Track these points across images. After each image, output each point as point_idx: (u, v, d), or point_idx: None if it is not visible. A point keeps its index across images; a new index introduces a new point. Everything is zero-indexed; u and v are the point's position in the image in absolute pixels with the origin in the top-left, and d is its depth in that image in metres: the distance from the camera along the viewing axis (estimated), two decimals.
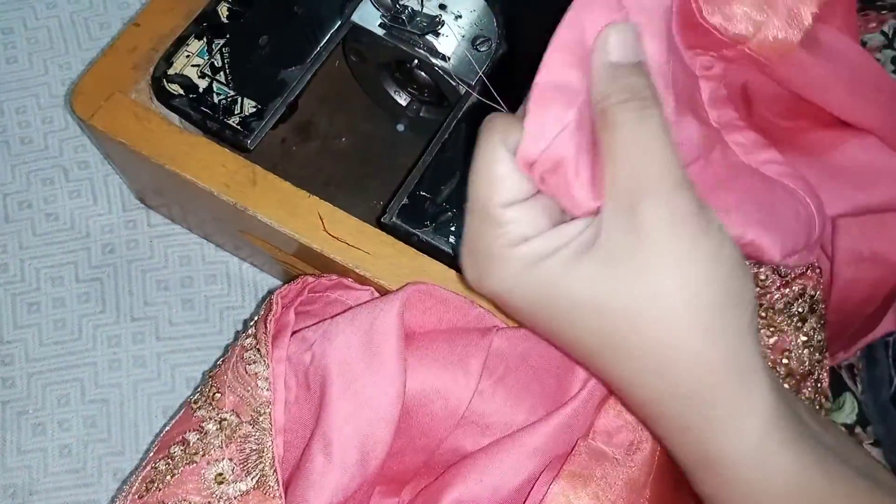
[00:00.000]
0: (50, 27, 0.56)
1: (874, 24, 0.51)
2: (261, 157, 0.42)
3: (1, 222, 0.50)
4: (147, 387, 0.47)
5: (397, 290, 0.36)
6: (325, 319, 0.36)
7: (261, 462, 0.33)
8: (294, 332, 0.35)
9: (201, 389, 0.36)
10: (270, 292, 0.37)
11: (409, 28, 0.42)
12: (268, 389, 0.33)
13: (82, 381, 0.47)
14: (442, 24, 0.42)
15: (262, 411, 0.34)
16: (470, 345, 0.34)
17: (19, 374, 0.47)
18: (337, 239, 0.39)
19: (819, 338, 0.36)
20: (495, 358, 0.34)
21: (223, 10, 0.43)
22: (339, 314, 0.35)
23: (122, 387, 0.47)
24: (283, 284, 0.39)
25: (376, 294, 0.38)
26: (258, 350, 0.34)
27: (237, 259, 0.50)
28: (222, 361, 0.36)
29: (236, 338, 0.37)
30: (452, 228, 0.39)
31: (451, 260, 0.39)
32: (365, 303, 0.36)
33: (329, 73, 0.51)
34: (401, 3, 0.42)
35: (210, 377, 0.36)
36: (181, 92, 0.41)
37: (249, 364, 0.34)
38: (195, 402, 0.35)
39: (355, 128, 0.53)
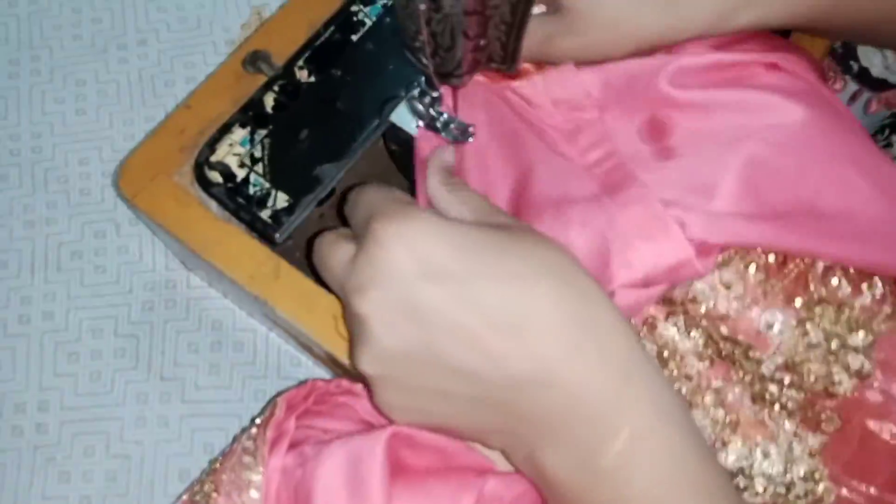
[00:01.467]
0: (119, 82, 0.60)
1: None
2: (298, 230, 0.44)
3: (53, 270, 0.53)
4: (167, 448, 0.49)
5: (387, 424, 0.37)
6: (333, 423, 0.38)
7: None
8: (299, 440, 0.37)
9: (203, 482, 0.37)
10: (279, 393, 0.38)
11: (442, 135, 0.43)
12: (260, 500, 0.35)
13: (109, 434, 0.49)
14: (473, 134, 0.43)
15: None
16: (464, 483, 0.35)
17: (53, 421, 0.50)
18: (348, 342, 0.40)
19: None
20: (490, 501, 0.35)
21: (269, 100, 0.45)
22: (334, 439, 0.36)
23: (145, 445, 0.49)
24: (304, 357, 0.40)
25: None
26: (254, 456, 0.36)
27: (265, 328, 0.52)
28: (226, 455, 0.38)
29: (241, 431, 0.39)
30: None
31: None
32: (358, 431, 0.37)
33: (371, 152, 0.52)
34: (436, 110, 0.43)
35: (213, 470, 0.38)
36: (220, 180, 0.43)
37: (246, 469, 0.36)
38: (195, 495, 0.37)
39: None
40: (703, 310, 0.37)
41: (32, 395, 0.50)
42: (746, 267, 0.37)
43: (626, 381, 0.31)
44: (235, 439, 0.41)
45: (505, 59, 0.36)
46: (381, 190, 0.35)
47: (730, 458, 0.36)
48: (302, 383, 0.40)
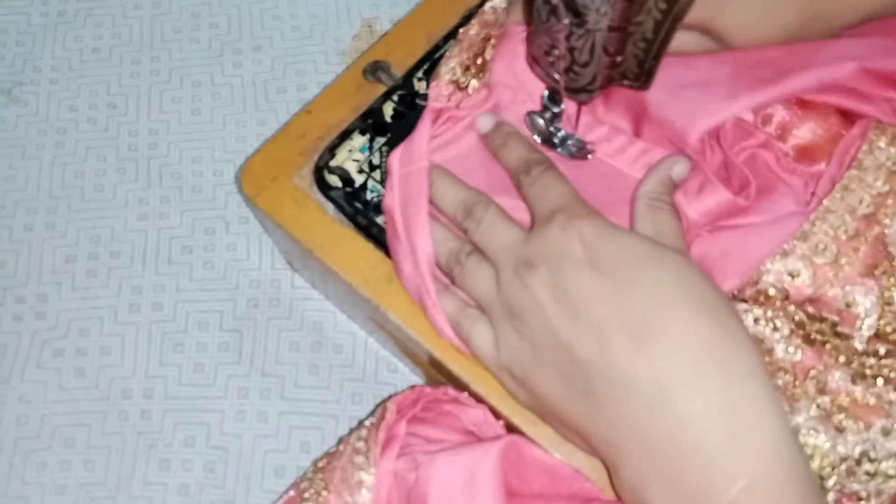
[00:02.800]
0: (233, 85, 0.62)
1: None
2: None
3: (164, 263, 0.55)
4: (264, 443, 0.50)
5: (497, 438, 0.37)
6: (437, 432, 0.38)
7: None
8: (404, 446, 0.37)
9: (311, 479, 0.38)
10: (390, 397, 0.39)
11: (559, 151, 0.43)
12: (371, 500, 0.35)
13: (209, 425, 0.50)
14: (593, 152, 0.43)
15: None
16: None
17: (157, 408, 0.51)
18: (457, 350, 0.41)
19: None
20: None
21: (388, 109, 0.46)
22: (445, 447, 0.36)
23: (243, 438, 0.50)
24: (401, 363, 0.40)
25: (489, 415, 0.39)
26: (367, 457, 0.36)
27: (364, 333, 0.53)
28: (333, 454, 0.38)
29: (350, 432, 0.39)
30: None
31: None
32: (469, 443, 0.37)
33: None
34: (555, 126, 0.43)
35: (320, 469, 0.38)
36: (339, 184, 0.44)
37: (357, 470, 0.36)
38: (304, 492, 0.37)
39: None
40: (778, 299, 0.36)
41: (139, 382, 0.52)
42: (813, 250, 0.36)
43: (751, 428, 0.30)
44: (341, 440, 0.41)
45: (640, 76, 0.36)
46: (571, 188, 0.37)
47: (849, 444, 0.34)
48: (411, 388, 0.40)
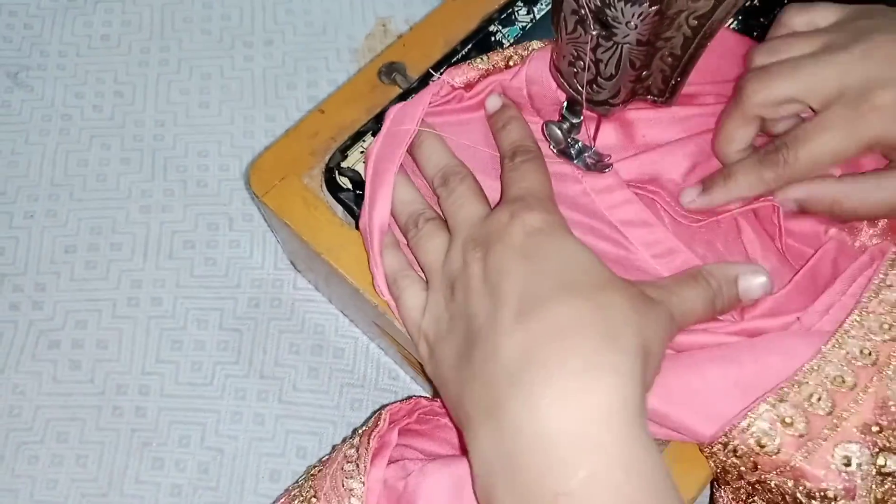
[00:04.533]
0: (243, 79, 0.61)
1: None
2: None
3: (164, 258, 0.54)
4: (260, 446, 0.49)
5: None
6: (432, 445, 0.37)
7: None
8: (394, 458, 0.36)
9: (302, 486, 0.37)
10: (383, 406, 0.38)
11: (575, 163, 0.42)
12: None
13: (205, 426, 0.49)
14: (610, 166, 0.42)
15: None
16: None
17: (152, 406, 0.50)
18: None
19: None
20: None
21: None
22: (437, 458, 0.36)
23: (239, 440, 0.49)
24: (402, 370, 0.40)
25: None
26: (357, 465, 0.35)
27: (366, 338, 0.52)
28: (325, 462, 0.38)
29: (343, 440, 0.38)
30: None
31: None
32: (462, 455, 0.36)
33: None
34: (572, 137, 0.42)
35: (311, 476, 0.37)
36: (349, 186, 0.43)
37: (347, 477, 0.35)
38: (295, 499, 0.37)
39: None
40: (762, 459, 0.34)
41: (134, 378, 0.51)
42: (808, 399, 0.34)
43: (599, 421, 0.29)
44: (335, 447, 0.40)
45: (664, 91, 0.35)
46: (545, 183, 0.37)
47: None
48: (407, 399, 0.40)
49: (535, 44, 0.43)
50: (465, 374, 0.33)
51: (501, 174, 0.39)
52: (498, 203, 0.38)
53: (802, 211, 0.39)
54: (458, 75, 0.42)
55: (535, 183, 0.37)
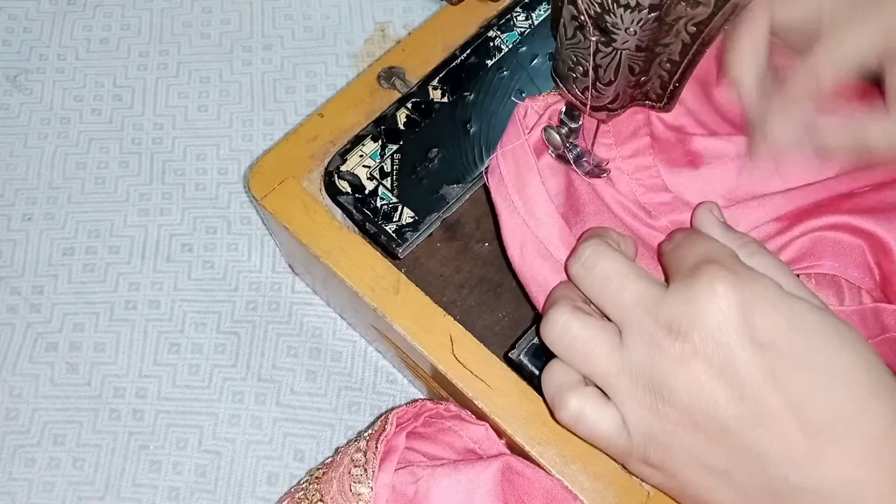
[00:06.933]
0: (241, 83, 0.61)
1: None
2: (419, 247, 0.44)
3: (162, 260, 0.54)
4: (258, 449, 0.49)
5: (498, 457, 0.36)
6: (436, 449, 0.37)
7: None
8: (402, 460, 0.36)
9: (306, 489, 0.37)
10: (390, 409, 0.38)
11: (573, 167, 0.43)
12: None
13: (202, 429, 0.49)
14: (608, 171, 0.42)
15: None
16: None
17: (149, 409, 0.50)
18: (462, 364, 0.40)
19: None
20: None
21: (401, 116, 0.46)
22: (444, 463, 0.36)
23: (236, 443, 0.49)
24: (401, 374, 0.39)
25: (491, 432, 0.39)
26: (365, 469, 0.35)
27: (364, 342, 0.52)
28: (329, 465, 0.38)
29: (348, 443, 0.39)
30: None
31: None
32: (469, 460, 0.36)
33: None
34: (571, 142, 0.43)
35: (316, 479, 0.37)
36: (349, 190, 0.44)
37: (355, 482, 0.35)
38: (299, 502, 0.37)
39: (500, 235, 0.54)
40: None
41: (132, 381, 0.51)
42: None
43: None
44: (338, 451, 0.41)
45: (662, 97, 0.36)
46: (717, 241, 0.32)
47: None
48: (412, 402, 0.40)
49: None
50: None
51: (660, 258, 0.34)
52: (670, 278, 0.32)
53: (823, 155, 0.35)
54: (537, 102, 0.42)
55: (712, 242, 0.32)
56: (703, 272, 0.29)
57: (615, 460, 0.35)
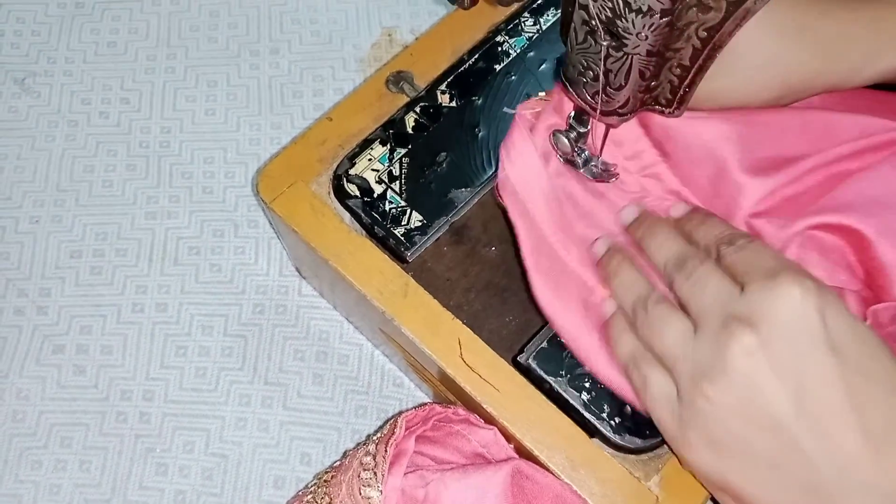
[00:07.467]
0: (249, 87, 0.61)
1: None
2: (427, 251, 0.44)
3: (170, 263, 0.54)
4: (265, 452, 0.49)
5: (507, 461, 0.36)
6: (444, 453, 0.37)
7: None
8: (410, 467, 0.36)
9: (315, 492, 0.37)
10: (399, 413, 0.38)
11: (581, 171, 0.43)
12: None
13: (209, 432, 0.49)
14: (616, 175, 0.42)
15: None
16: None
17: (156, 411, 0.50)
18: (471, 368, 0.40)
19: None
20: None
21: (410, 121, 0.46)
22: (454, 467, 0.36)
23: (243, 446, 0.49)
24: (407, 378, 0.39)
25: (500, 436, 0.39)
26: (375, 473, 0.35)
27: (371, 345, 0.52)
28: (338, 468, 0.38)
29: (356, 446, 0.39)
30: (587, 384, 0.39)
31: (580, 417, 0.39)
32: (479, 464, 0.36)
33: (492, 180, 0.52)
34: (579, 147, 0.43)
35: (325, 482, 0.37)
36: (357, 193, 0.44)
37: (364, 486, 0.35)
38: None
39: (506, 239, 0.54)
40: None
41: (139, 384, 0.51)
42: None
43: None
44: (346, 454, 0.41)
45: (671, 102, 0.36)
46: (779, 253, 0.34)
47: None
48: (421, 405, 0.40)
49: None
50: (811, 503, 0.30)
51: (720, 262, 0.35)
52: (742, 286, 0.32)
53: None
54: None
55: (777, 254, 0.33)
56: (784, 275, 0.30)
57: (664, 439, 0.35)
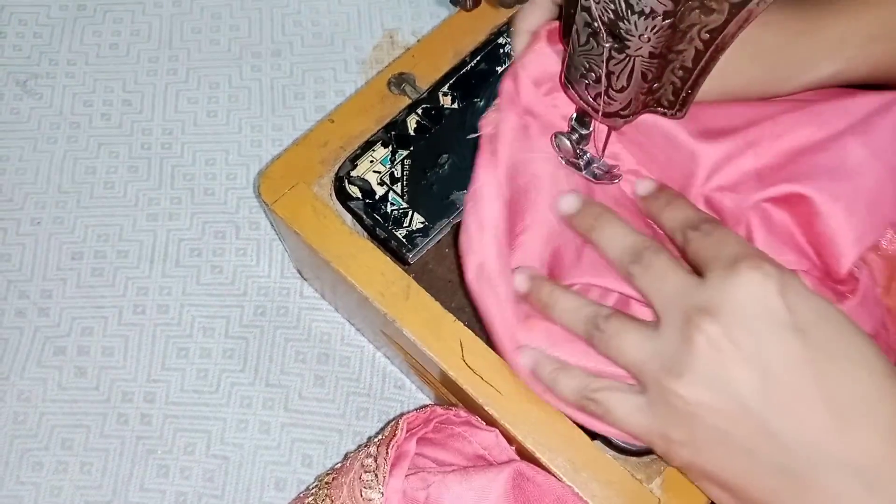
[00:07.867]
0: (251, 89, 0.61)
1: None
2: (429, 253, 0.44)
3: (171, 265, 0.54)
4: (266, 454, 0.49)
5: (508, 463, 0.36)
6: (446, 455, 0.37)
7: None
8: (412, 469, 0.36)
9: (316, 494, 0.37)
10: (400, 415, 0.38)
11: (583, 173, 0.43)
12: None
13: (210, 434, 0.49)
14: (620, 176, 0.42)
15: None
16: None
17: (157, 413, 0.50)
18: (472, 370, 0.40)
19: None
20: None
21: (412, 122, 0.46)
22: (455, 469, 0.36)
23: (244, 448, 0.49)
24: (409, 380, 0.39)
25: (501, 438, 0.38)
26: (376, 475, 0.35)
27: (372, 347, 0.52)
28: (339, 470, 0.38)
29: (357, 448, 0.39)
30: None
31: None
32: (480, 466, 0.36)
33: None
34: (581, 148, 0.43)
35: (326, 484, 0.37)
36: (359, 195, 0.44)
37: (366, 487, 0.35)
38: None
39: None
40: None
41: (140, 386, 0.51)
42: None
43: None
44: (347, 456, 0.40)
45: (674, 104, 0.36)
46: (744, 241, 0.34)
47: None
48: (422, 407, 0.40)
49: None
50: (782, 482, 0.30)
51: (685, 248, 0.35)
52: (701, 271, 0.33)
53: None
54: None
55: (743, 244, 0.33)
56: (744, 262, 0.31)
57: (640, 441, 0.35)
